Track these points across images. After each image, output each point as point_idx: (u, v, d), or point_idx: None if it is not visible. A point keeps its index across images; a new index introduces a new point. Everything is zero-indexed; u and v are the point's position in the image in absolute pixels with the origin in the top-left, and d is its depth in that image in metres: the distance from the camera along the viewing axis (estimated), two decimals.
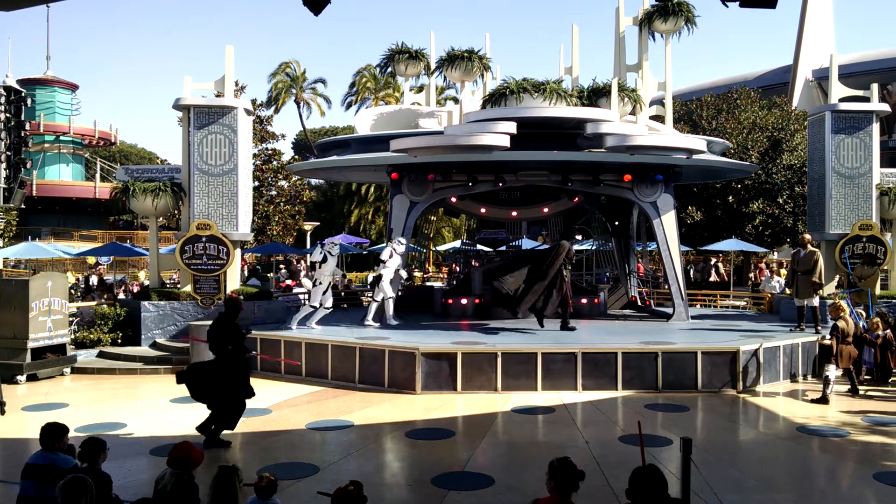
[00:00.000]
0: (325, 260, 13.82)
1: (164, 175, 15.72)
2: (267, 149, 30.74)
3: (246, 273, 21.91)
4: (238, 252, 15.57)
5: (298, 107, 49.35)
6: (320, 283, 14.01)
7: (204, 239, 14.90)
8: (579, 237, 14.55)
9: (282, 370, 12.71)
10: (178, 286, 15.96)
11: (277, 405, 10.80)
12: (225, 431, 8.75)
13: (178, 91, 15.32)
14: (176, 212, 17.89)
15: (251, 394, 8.90)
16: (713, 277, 26.46)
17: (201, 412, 10.43)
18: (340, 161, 15.95)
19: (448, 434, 9.25)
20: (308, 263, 30.35)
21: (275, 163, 30.82)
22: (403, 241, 14.84)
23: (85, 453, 5.24)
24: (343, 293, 23.49)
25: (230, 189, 15.11)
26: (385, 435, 9.28)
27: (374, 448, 8.72)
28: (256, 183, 28.93)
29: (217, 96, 15.76)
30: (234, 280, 15.36)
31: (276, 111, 47.72)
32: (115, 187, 16.32)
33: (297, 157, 40.34)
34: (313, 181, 42.14)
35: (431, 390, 11.40)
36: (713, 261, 27.43)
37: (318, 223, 37.46)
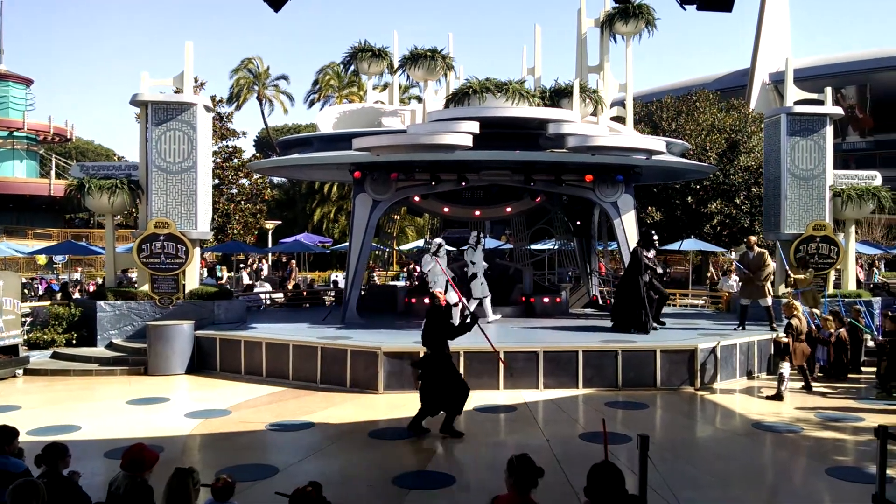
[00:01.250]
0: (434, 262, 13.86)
1: (121, 172, 15.41)
2: (227, 146, 30.32)
3: (205, 272, 21.59)
4: (197, 251, 15.32)
5: (261, 104, 48.86)
6: (434, 283, 13.89)
7: (162, 237, 14.64)
8: (656, 238, 14.65)
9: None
10: (136, 285, 15.65)
11: (237, 406, 10.67)
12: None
13: (137, 87, 15.03)
14: (133, 210, 17.57)
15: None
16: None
17: (157, 414, 10.30)
18: (302, 159, 15.80)
19: (410, 434, 9.22)
20: (265, 265, 30.06)
21: (235, 160, 30.41)
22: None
23: (44, 458, 5.10)
24: (306, 293, 23.34)
25: (189, 187, 14.86)
26: (346, 435, 9.22)
27: (335, 448, 8.65)
28: (216, 181, 28.52)
29: (176, 92, 15.50)
30: (192, 279, 15.12)
31: (238, 108, 47.17)
32: (69, 184, 15.93)
33: (258, 154, 39.80)
34: (275, 179, 41.72)
35: (394, 390, 11.37)
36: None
37: (280, 222, 37.10)
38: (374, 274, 26.68)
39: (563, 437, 8.99)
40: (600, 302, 18.66)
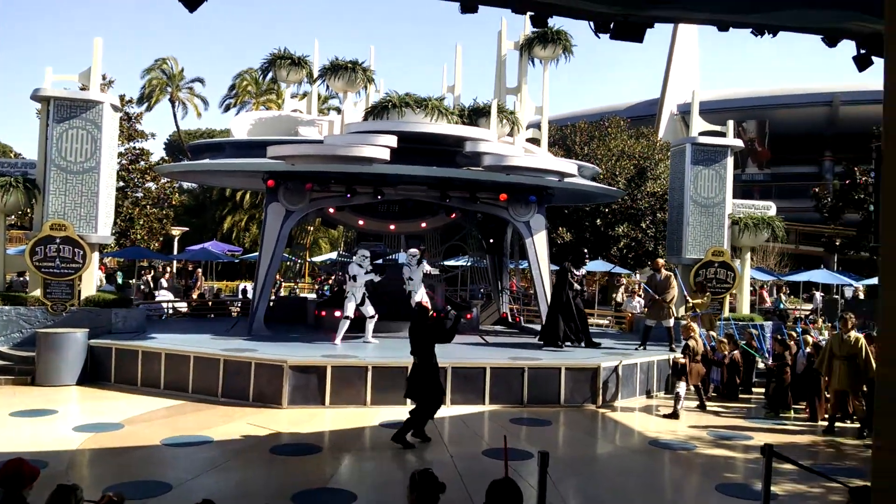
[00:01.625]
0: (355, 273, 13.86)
1: (16, 170, 14.53)
2: (135, 148, 29.17)
3: (104, 278, 20.65)
4: (96, 255, 14.63)
5: (173, 106, 47.35)
6: (352, 294, 13.90)
7: (58, 240, 13.89)
8: (587, 259, 15.09)
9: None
10: (27, 290, 14.78)
11: (131, 419, 10.19)
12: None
13: (40, 81, 14.26)
14: (28, 210, 16.64)
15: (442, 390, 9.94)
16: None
17: (43, 427, 9.73)
18: (213, 165, 15.37)
19: (314, 449, 9.06)
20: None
21: (143, 163, 29.27)
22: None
23: None
24: (211, 303, 22.68)
25: (90, 188, 14.18)
26: (247, 451, 8.95)
27: (234, 464, 8.37)
28: (121, 183, 27.40)
29: (82, 89, 14.80)
30: (89, 285, 14.41)
31: (149, 109, 45.59)
32: None
33: (169, 158, 38.58)
34: (185, 184, 40.48)
35: (298, 404, 11.14)
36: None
37: (188, 228, 35.95)
38: (295, 286, 26.21)
39: (467, 454, 9.01)
40: (510, 319, 18.91)
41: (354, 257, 14.39)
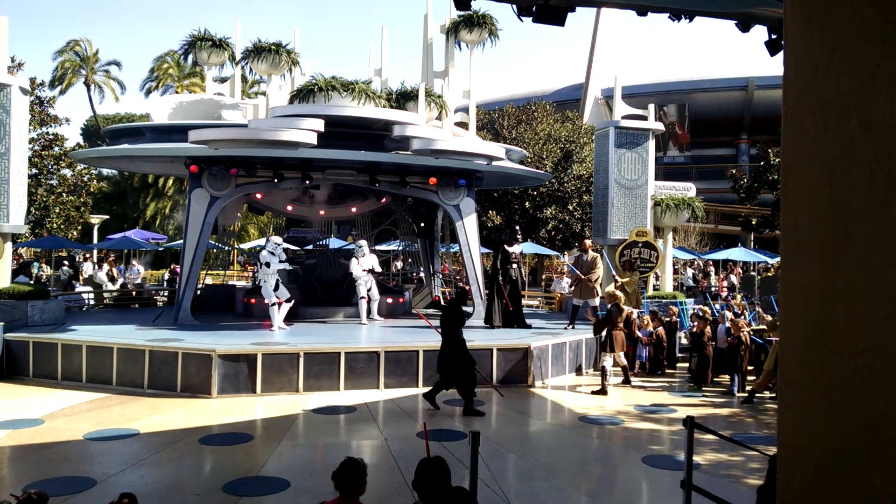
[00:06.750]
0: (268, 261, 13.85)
1: None
2: (48, 133, 27.81)
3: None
4: (9, 246, 13.98)
5: (88, 90, 45.35)
6: (265, 282, 13.82)
7: None
8: (519, 236, 15.26)
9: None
10: None
11: (52, 415, 9.84)
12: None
13: None
14: None
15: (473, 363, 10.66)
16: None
17: None
18: (132, 150, 14.85)
19: (245, 438, 8.93)
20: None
21: (57, 149, 27.93)
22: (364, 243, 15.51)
23: None
24: (135, 293, 22.03)
25: (0, 176, 13.52)
26: (175, 443, 8.75)
27: (162, 457, 8.18)
28: (34, 170, 26.14)
29: None
30: (2, 277, 13.76)
31: (62, 93, 43.55)
32: None
33: (86, 143, 36.95)
34: (105, 171, 39.00)
35: (228, 393, 10.97)
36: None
37: (108, 216, 34.66)
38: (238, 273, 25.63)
39: (401, 436, 9.07)
40: (442, 302, 18.98)
41: (267, 245, 14.19)
